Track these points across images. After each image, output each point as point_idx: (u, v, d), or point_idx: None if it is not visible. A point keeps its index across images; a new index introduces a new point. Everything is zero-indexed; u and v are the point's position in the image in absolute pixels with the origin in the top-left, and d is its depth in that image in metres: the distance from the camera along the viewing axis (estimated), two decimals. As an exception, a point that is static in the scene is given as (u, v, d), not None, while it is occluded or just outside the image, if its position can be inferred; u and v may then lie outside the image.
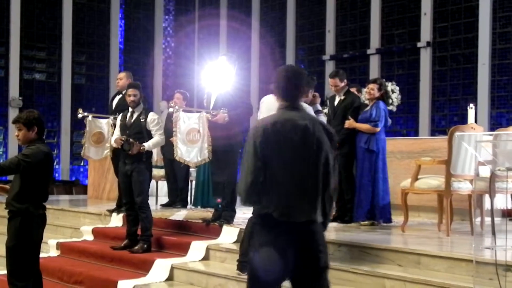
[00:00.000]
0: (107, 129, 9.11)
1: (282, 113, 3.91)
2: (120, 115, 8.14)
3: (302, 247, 3.80)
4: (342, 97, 8.30)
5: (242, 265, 6.33)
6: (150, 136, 7.80)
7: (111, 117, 9.11)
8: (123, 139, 7.70)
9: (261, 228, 3.88)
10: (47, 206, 6.02)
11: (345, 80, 8.34)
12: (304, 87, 4.04)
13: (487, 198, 7.27)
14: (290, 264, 3.78)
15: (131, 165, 7.74)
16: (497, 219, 7.44)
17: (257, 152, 3.78)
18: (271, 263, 3.75)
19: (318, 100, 6.50)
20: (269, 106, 6.18)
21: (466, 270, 5.42)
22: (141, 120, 7.83)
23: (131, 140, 7.68)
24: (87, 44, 21.34)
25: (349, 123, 7.98)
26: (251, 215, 5.93)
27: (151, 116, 7.86)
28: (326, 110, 8.68)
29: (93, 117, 9.34)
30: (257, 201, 3.85)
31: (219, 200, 7.88)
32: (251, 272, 3.92)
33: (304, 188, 3.80)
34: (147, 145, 7.71)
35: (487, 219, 7.19)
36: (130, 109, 7.96)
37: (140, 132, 7.79)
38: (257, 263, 3.83)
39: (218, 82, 7.90)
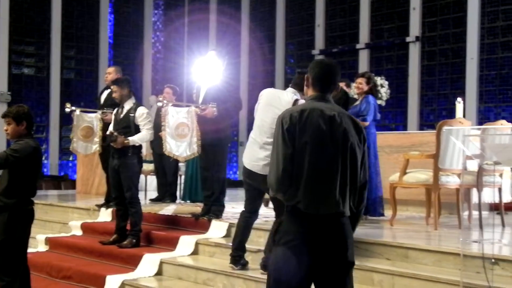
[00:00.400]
0: (95, 124, 9.07)
1: (310, 103, 3.81)
2: (115, 109, 8.15)
3: (329, 241, 3.64)
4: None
5: (235, 260, 6.33)
6: (138, 131, 7.79)
7: (99, 112, 9.09)
8: (109, 133, 7.72)
9: (289, 222, 3.71)
10: (36, 201, 6.00)
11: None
12: (337, 82, 3.98)
13: (474, 192, 7.30)
14: (316, 260, 3.62)
15: (118, 159, 7.74)
16: (485, 213, 7.47)
17: (285, 139, 3.66)
18: (295, 260, 3.59)
19: None
20: (268, 99, 6.19)
21: (453, 264, 5.44)
22: (130, 114, 7.82)
23: (115, 133, 7.68)
24: (76, 38, 21.27)
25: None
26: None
27: (140, 110, 7.85)
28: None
29: (81, 111, 9.31)
30: (292, 195, 3.68)
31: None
32: (274, 271, 3.71)
33: (331, 179, 3.65)
34: (131, 139, 7.68)
35: (475, 213, 7.23)
36: (121, 104, 7.98)
37: (128, 126, 7.78)
38: (280, 260, 3.67)
39: (207, 77, 7.89)
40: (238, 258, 6.37)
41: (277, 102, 6.07)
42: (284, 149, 3.67)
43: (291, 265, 3.61)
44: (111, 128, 8.03)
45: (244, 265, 6.39)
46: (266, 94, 6.27)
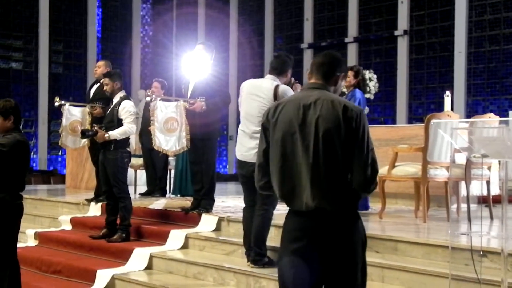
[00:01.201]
0: (84, 118, 9.05)
1: (297, 93, 3.79)
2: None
3: (324, 238, 3.44)
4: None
5: (254, 260, 6.14)
6: (121, 125, 7.74)
7: (88, 106, 9.07)
8: (92, 127, 7.73)
9: (286, 219, 3.60)
10: (25, 196, 6.00)
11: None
12: (337, 72, 3.80)
13: (463, 185, 7.34)
14: (321, 260, 3.45)
15: (103, 154, 7.75)
16: (473, 206, 7.52)
17: (261, 134, 3.69)
18: (293, 263, 3.46)
19: (299, 89, 6.49)
20: (249, 90, 6.20)
21: (442, 256, 5.48)
22: (115, 108, 7.80)
23: (95, 128, 7.68)
24: (64, 32, 21.20)
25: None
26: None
27: (123, 104, 7.78)
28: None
29: (70, 105, 9.28)
30: (267, 186, 3.65)
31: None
32: (279, 278, 3.60)
33: (301, 172, 3.47)
34: (110, 133, 7.64)
35: (463, 206, 7.27)
36: (112, 98, 7.96)
37: (112, 121, 7.75)
38: (282, 265, 3.55)
39: (195, 71, 7.89)
40: (258, 258, 6.15)
41: (258, 90, 6.09)
42: (260, 145, 3.70)
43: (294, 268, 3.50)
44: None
45: (266, 264, 6.13)
46: (247, 86, 6.27)
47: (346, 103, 3.51)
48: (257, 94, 6.07)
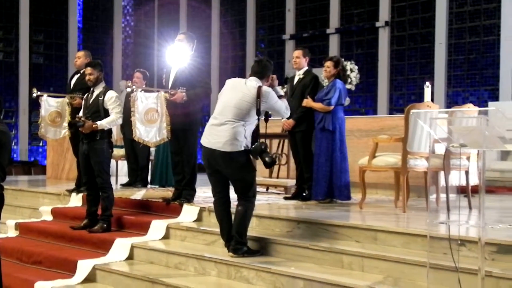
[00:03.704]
0: (63, 109, 9.01)
1: None
2: (86, 94, 8.10)
3: None
4: (301, 76, 8.35)
5: (235, 249, 6.19)
6: (108, 115, 7.76)
7: (68, 96, 9.03)
8: (77, 118, 7.68)
9: None
10: (5, 187, 5.96)
11: (307, 59, 8.40)
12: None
13: (442, 175, 7.40)
14: None
15: (87, 144, 7.72)
16: (452, 196, 7.58)
17: None
18: None
19: (276, 82, 6.52)
20: (233, 84, 6.30)
21: (421, 245, 5.53)
22: (100, 98, 7.79)
23: (82, 118, 7.65)
24: (45, 22, 21.06)
25: (306, 101, 8.02)
26: None
27: (109, 94, 7.81)
28: (285, 89, 8.72)
29: (48, 96, 9.22)
30: None
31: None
32: None
33: None
34: (99, 123, 7.65)
35: (443, 196, 7.33)
36: (92, 88, 7.93)
37: (97, 111, 7.75)
38: None
39: (176, 61, 7.88)
40: (238, 246, 6.19)
41: (242, 86, 6.22)
42: None
43: None
44: (81, 113, 7.98)
45: (246, 253, 6.19)
46: (231, 82, 6.40)
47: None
48: (239, 89, 6.18)
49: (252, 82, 6.22)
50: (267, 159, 6.03)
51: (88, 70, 7.93)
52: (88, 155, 7.72)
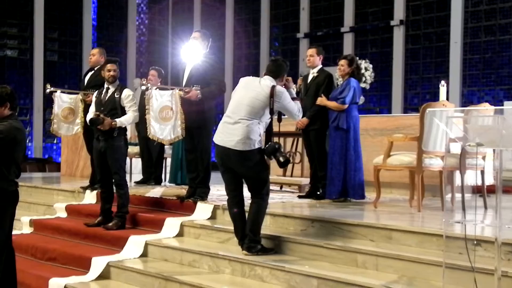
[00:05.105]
0: (76, 105, 9.02)
1: None
2: (96, 91, 8.10)
3: None
4: (316, 74, 8.33)
5: (249, 247, 6.20)
6: (124, 113, 7.77)
7: (81, 93, 9.04)
8: (94, 115, 7.68)
9: None
10: (20, 184, 5.99)
11: (321, 57, 8.39)
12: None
13: (458, 174, 7.36)
14: None
15: (104, 142, 7.72)
16: (467, 195, 7.54)
17: None
18: None
19: (291, 84, 6.51)
20: (247, 83, 6.30)
21: (436, 245, 5.50)
22: (116, 96, 7.80)
23: (101, 115, 7.65)
24: (60, 20, 21.13)
25: (320, 100, 8.00)
26: None
27: (126, 92, 7.83)
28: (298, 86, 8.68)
29: (61, 92, 9.23)
30: None
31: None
32: None
33: None
34: (118, 120, 7.67)
35: (458, 195, 7.29)
36: (106, 86, 7.93)
37: (114, 108, 7.76)
38: None
39: (191, 59, 7.88)
40: (252, 244, 6.20)
41: (255, 84, 6.21)
42: None
43: None
44: (92, 109, 7.96)
45: (260, 251, 6.19)
46: (245, 80, 6.40)
47: None
48: (253, 89, 6.17)
49: (266, 81, 6.21)
50: (281, 158, 6.02)
51: (110, 66, 7.90)
52: (104, 152, 7.72)
